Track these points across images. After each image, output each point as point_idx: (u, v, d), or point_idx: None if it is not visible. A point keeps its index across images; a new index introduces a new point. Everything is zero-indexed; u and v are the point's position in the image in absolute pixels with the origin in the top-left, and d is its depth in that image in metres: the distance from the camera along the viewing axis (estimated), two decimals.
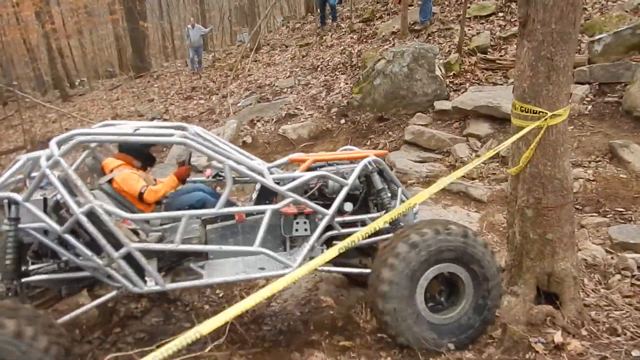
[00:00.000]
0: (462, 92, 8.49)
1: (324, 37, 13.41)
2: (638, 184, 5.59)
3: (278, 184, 3.48)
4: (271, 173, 3.57)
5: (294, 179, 3.49)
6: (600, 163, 6.21)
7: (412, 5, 11.64)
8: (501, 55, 9.14)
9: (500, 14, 10.23)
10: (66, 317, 3.36)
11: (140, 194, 3.73)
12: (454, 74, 9.04)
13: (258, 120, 10.19)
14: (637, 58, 7.66)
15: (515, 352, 2.89)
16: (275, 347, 3.71)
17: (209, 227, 3.64)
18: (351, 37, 12.47)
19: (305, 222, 3.63)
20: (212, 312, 4.33)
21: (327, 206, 3.55)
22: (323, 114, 9.68)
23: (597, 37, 8.11)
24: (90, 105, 17.14)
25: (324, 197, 3.76)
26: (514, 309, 2.93)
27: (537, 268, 2.94)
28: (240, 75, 13.64)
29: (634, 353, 2.82)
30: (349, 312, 4.03)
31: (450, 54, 9.39)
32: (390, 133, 8.51)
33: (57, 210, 3.33)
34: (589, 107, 7.43)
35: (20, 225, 3.27)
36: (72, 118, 15.08)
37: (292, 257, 3.52)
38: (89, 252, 3.21)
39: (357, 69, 10.66)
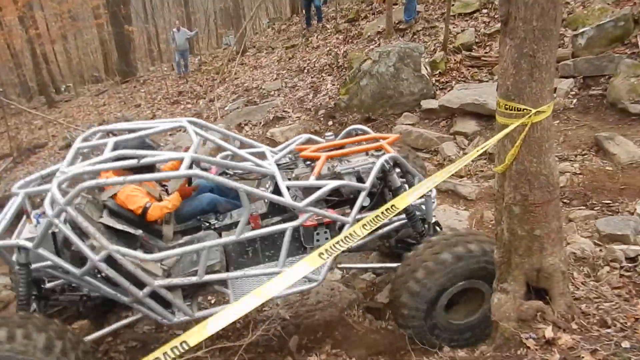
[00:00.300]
0: (449, 91, 8.53)
1: (309, 39, 13.41)
2: (624, 176, 5.65)
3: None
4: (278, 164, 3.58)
5: (311, 188, 3.43)
6: (586, 156, 6.27)
7: (396, 4, 11.67)
8: (486, 52, 9.19)
9: (484, 11, 10.30)
10: (94, 335, 3.40)
11: (145, 209, 3.60)
12: (439, 72, 9.07)
13: (246, 124, 10.17)
14: (620, 50, 7.75)
15: (507, 349, 2.91)
16: (268, 352, 3.70)
17: (225, 238, 3.41)
18: (337, 38, 12.48)
19: (325, 232, 3.59)
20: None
21: (343, 203, 3.55)
22: (311, 116, 9.68)
23: (580, 31, 8.18)
24: (76, 111, 17.00)
25: (339, 193, 3.69)
26: (504, 306, 2.95)
27: (526, 264, 2.95)
28: (227, 79, 13.60)
29: (624, 344, 2.85)
30: (341, 315, 4.04)
31: (435, 52, 9.44)
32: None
33: (69, 245, 3.26)
34: (574, 100, 7.50)
35: (33, 267, 3.19)
36: (58, 124, 14.95)
37: (316, 270, 3.40)
38: (112, 291, 3.17)
39: (344, 70, 10.68)
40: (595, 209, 5.22)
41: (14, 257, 3.22)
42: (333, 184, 3.45)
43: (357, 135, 4.42)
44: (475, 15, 10.31)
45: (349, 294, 4.39)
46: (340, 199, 3.63)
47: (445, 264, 3.30)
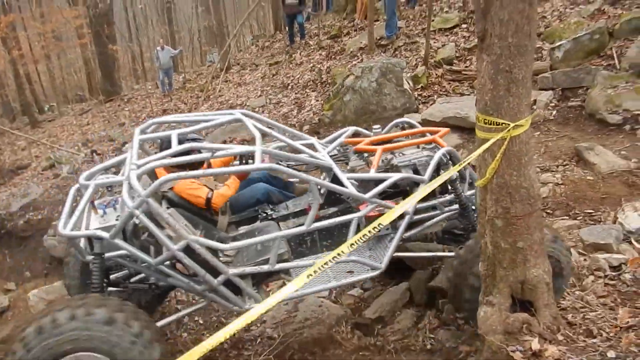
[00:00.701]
0: (431, 104, 8.64)
1: (293, 55, 13.51)
2: (605, 185, 5.74)
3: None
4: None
5: (374, 182, 3.59)
6: (567, 167, 6.36)
7: (377, 21, 11.83)
8: (466, 66, 9.34)
9: (464, 26, 10.49)
10: (163, 321, 3.55)
11: (208, 199, 3.65)
12: (421, 86, 9.19)
13: (231, 141, 10.16)
14: (596, 62, 7.93)
15: None
16: None
17: (297, 229, 3.46)
18: (320, 54, 12.59)
19: None
20: (191, 340, 4.26)
21: (396, 195, 3.70)
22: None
23: (557, 44, 8.36)
24: (60, 131, 16.85)
25: (393, 185, 3.75)
26: (490, 319, 2.96)
27: (510, 277, 2.98)
28: (211, 96, 13.62)
29: (610, 354, 2.87)
30: (329, 332, 4.02)
31: (417, 67, 9.56)
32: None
33: (137, 235, 3.39)
34: (554, 112, 7.63)
35: (106, 255, 3.31)
36: (41, 145, 14.80)
37: (377, 259, 3.63)
38: (186, 280, 3.28)
39: (327, 86, 10.76)
40: (578, 218, 5.28)
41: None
42: (396, 176, 3.62)
43: (403, 128, 4.60)
44: (455, 30, 10.50)
45: (337, 310, 4.38)
46: (394, 191, 3.76)
47: None
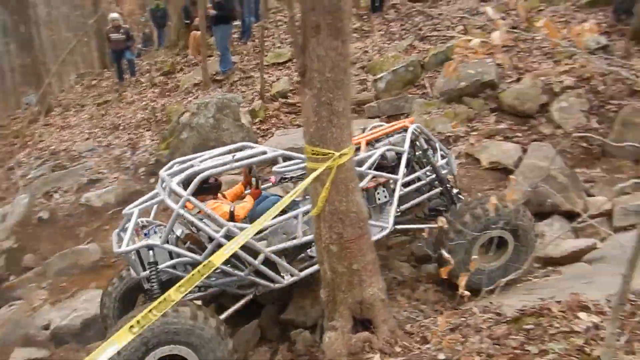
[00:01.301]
0: (270, 137, 8.81)
1: (123, 93, 12.80)
2: None
3: None
4: None
5: (368, 158, 4.25)
6: None
7: (211, 56, 11.82)
8: (301, 99, 9.73)
9: (295, 60, 10.98)
10: (225, 314, 3.97)
11: (231, 213, 4.01)
12: (260, 120, 9.34)
13: (55, 191, 9.13)
14: (412, 91, 8.86)
15: None
16: None
17: (304, 207, 3.99)
18: (153, 92, 12.12)
19: (383, 191, 4.35)
20: None
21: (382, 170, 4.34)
22: (130, 174, 9.12)
23: (379, 76, 9.17)
24: None
25: (382, 168, 4.44)
26: (335, 344, 3.03)
27: (349, 298, 3.10)
28: (29, 142, 12.18)
29: (440, 357, 3.11)
30: None
31: (254, 101, 9.72)
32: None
33: (178, 245, 3.94)
34: None
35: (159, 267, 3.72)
36: None
37: (384, 220, 4.25)
38: (231, 269, 3.72)
39: (163, 124, 10.37)
40: (409, 234, 5.73)
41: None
42: (382, 149, 4.39)
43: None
44: (288, 64, 10.92)
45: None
46: (381, 168, 4.40)
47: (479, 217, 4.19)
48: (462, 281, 2.20)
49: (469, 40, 2.02)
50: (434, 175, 4.73)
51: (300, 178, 4.68)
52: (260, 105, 9.43)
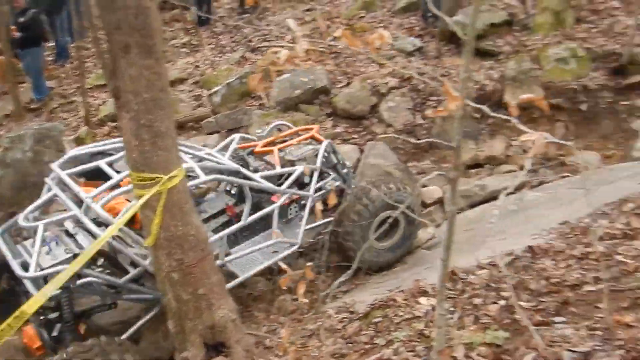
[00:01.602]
0: None
1: None
2: None
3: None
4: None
5: (274, 177, 4.44)
6: None
7: (23, 83, 10.57)
8: None
9: (107, 83, 10.33)
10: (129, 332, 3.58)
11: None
12: None
13: None
14: (250, 103, 8.87)
15: None
16: None
17: (238, 224, 4.07)
18: None
19: (295, 206, 4.62)
20: None
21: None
22: None
23: (214, 90, 9.01)
24: None
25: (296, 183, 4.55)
26: None
27: (199, 325, 2.97)
28: None
29: None
30: None
31: (79, 128, 8.92)
32: None
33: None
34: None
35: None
36: None
37: (293, 236, 4.39)
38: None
39: None
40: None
41: None
42: (300, 168, 4.50)
43: (280, 130, 5.54)
44: None
45: None
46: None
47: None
48: (301, 289, 2.21)
49: (276, 52, 2.05)
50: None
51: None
52: (87, 132, 8.67)
